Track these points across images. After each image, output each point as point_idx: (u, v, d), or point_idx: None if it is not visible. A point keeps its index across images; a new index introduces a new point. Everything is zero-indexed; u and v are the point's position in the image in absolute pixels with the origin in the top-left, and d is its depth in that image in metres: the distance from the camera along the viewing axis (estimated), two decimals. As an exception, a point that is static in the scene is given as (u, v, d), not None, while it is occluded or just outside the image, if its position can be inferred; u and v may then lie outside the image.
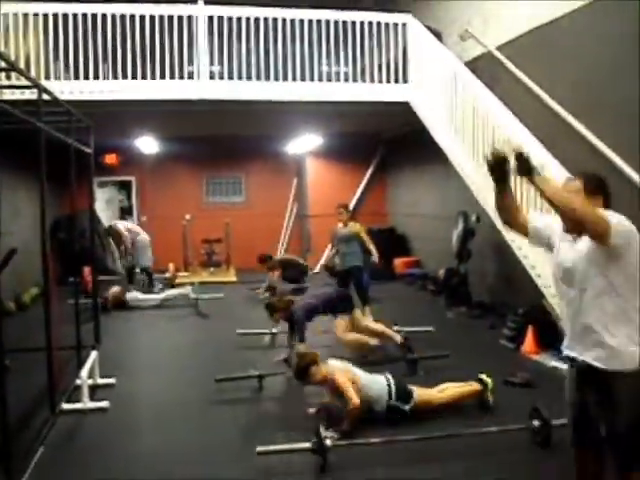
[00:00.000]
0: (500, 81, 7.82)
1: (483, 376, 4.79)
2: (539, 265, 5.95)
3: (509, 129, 6.54)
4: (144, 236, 10.89)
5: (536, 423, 4.02)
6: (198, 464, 3.98)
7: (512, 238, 6.46)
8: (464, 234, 8.51)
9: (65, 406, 4.85)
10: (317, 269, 13.22)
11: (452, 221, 8.87)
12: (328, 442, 3.76)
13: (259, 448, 3.81)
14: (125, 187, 14.11)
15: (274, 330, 6.96)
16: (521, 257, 6.30)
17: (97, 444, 4.35)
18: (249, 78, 8.40)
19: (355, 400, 4.26)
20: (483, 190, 7.01)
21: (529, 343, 6.35)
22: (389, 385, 4.57)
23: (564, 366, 5.44)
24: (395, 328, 6.88)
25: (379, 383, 4.60)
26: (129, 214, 13.74)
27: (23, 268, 8.66)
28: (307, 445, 3.79)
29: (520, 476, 3.72)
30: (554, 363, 5.81)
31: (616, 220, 2.47)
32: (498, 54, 8.05)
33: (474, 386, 4.76)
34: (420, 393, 4.62)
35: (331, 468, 3.73)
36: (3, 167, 8.42)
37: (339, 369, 4.55)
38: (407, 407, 4.49)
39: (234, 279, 12.10)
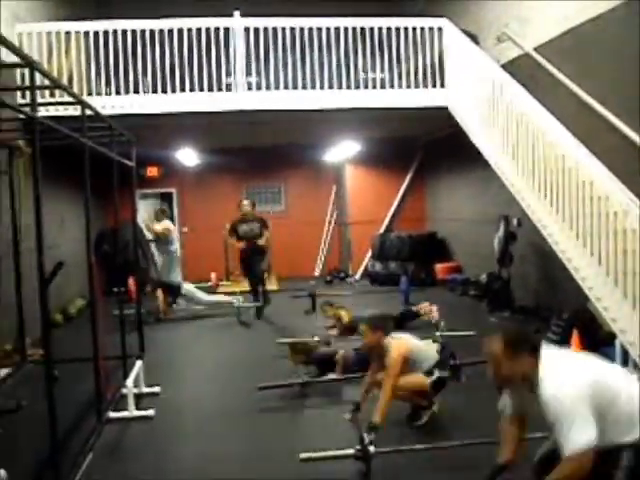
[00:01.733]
0: (538, 82, 7.72)
1: None
2: (583, 268, 5.84)
3: (548, 131, 6.45)
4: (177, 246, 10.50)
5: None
6: (241, 471, 4.02)
7: (555, 240, 6.37)
8: (505, 238, 8.42)
9: (112, 414, 4.95)
10: (358, 276, 13.23)
11: (493, 225, 8.79)
12: (371, 449, 3.75)
13: (302, 455, 3.82)
14: (166, 199, 14.35)
15: (316, 338, 6.98)
16: (565, 260, 6.21)
17: (142, 451, 4.42)
18: (286, 88, 8.48)
19: (388, 382, 4.19)
20: (523, 193, 6.93)
21: (574, 346, 6.22)
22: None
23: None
24: (437, 334, 6.86)
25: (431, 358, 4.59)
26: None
27: (69, 280, 8.89)
28: (350, 452, 3.79)
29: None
30: (601, 367, 5.67)
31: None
32: (536, 55, 7.97)
33: None
34: None
35: (375, 475, 3.72)
36: (50, 181, 8.64)
37: (395, 346, 4.39)
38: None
39: (276, 287, 12.17)
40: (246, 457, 4.25)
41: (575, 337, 6.27)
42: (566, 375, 2.57)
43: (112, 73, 7.97)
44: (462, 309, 9.46)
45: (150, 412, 5.05)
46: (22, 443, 4.40)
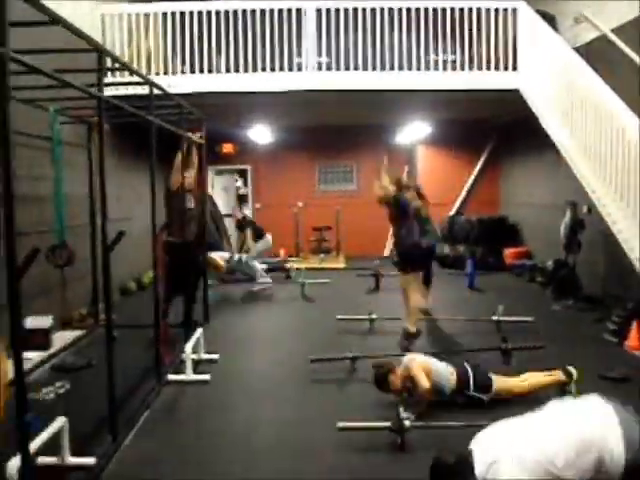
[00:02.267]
0: (616, 65, 7.51)
1: (570, 367, 4.71)
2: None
3: (621, 119, 6.30)
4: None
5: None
6: (283, 435, 4.25)
7: (619, 229, 6.27)
8: (572, 225, 8.27)
9: (171, 377, 5.28)
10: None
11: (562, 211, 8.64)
12: (407, 423, 3.89)
13: (340, 424, 4.00)
14: (241, 175, 14.76)
15: (373, 316, 7.15)
16: (627, 250, 6.11)
17: (195, 412, 4.72)
18: (356, 69, 8.57)
19: (425, 383, 4.35)
20: (589, 178, 6.82)
21: (633, 338, 6.13)
22: (467, 375, 4.62)
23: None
24: (494, 317, 6.88)
25: (448, 377, 4.64)
26: (245, 202, 14.33)
27: (143, 251, 9.34)
28: (386, 424, 3.94)
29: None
30: (657, 359, 5.60)
31: None
32: (614, 37, 7.73)
33: (558, 376, 4.70)
34: (500, 382, 4.63)
35: (408, 447, 3.87)
36: (129, 157, 9.10)
37: (415, 360, 4.64)
38: (485, 397, 4.54)
39: (343, 265, 12.36)
40: (289, 423, 4.48)
41: (635, 328, 6.18)
42: (498, 464, 2.56)
43: (188, 53, 8.28)
44: (527, 295, 9.36)
45: (206, 377, 5.36)
46: (87, 397, 4.78)
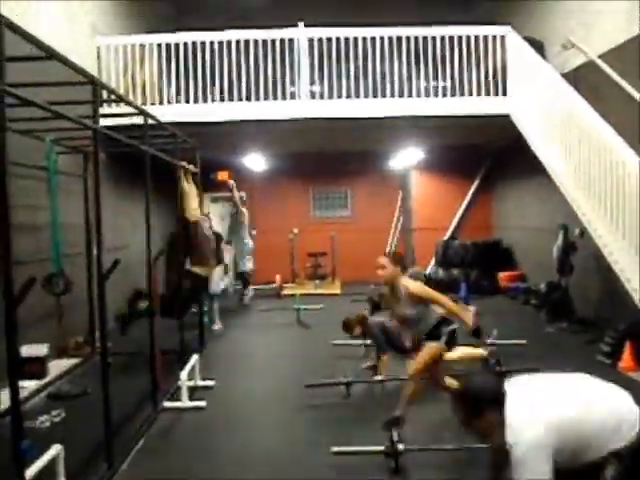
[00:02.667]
0: (603, 90, 7.65)
1: None
2: (635, 280, 5.81)
3: (608, 143, 6.41)
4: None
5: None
6: (279, 460, 4.26)
7: (610, 251, 6.34)
8: (564, 247, 8.35)
9: (166, 404, 5.29)
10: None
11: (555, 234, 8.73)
12: (400, 446, 3.91)
13: (335, 448, 4.03)
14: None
15: (368, 342, 7.17)
16: (618, 271, 6.18)
17: (191, 439, 4.73)
18: (349, 96, 8.71)
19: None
20: (582, 206, 6.91)
21: (626, 359, 6.17)
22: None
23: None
24: (488, 341, 6.91)
25: None
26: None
27: (140, 278, 9.38)
28: (380, 448, 3.96)
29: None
30: (650, 380, 5.64)
31: None
32: (600, 63, 7.88)
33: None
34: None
35: (403, 470, 3.89)
36: (124, 186, 9.18)
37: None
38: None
39: (338, 291, 12.39)
40: (284, 448, 4.50)
41: (627, 350, 6.23)
42: (528, 418, 2.53)
43: (183, 83, 8.41)
44: (521, 318, 9.41)
45: (202, 403, 5.37)
46: (83, 425, 4.79)
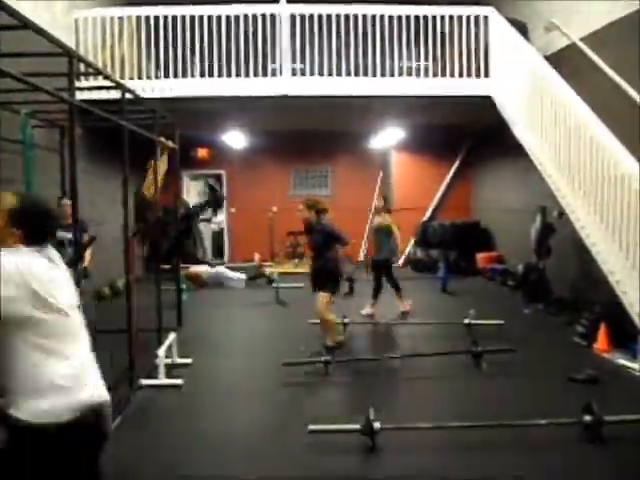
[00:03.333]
0: (584, 73, 7.66)
1: None
2: (612, 263, 5.89)
3: (588, 125, 6.43)
4: None
5: (588, 418, 4.02)
6: (255, 438, 4.26)
7: (587, 234, 6.39)
8: (543, 229, 8.41)
9: (144, 382, 5.27)
10: (400, 262, 13.33)
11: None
12: (377, 425, 3.93)
13: (311, 427, 4.04)
14: (216, 180, 14.72)
15: (346, 320, 7.21)
16: (594, 253, 6.24)
17: (167, 416, 4.72)
18: (330, 75, 8.63)
19: None
20: (559, 184, 6.95)
21: (601, 340, 6.25)
22: None
23: (634, 364, 5.42)
24: (465, 321, 6.97)
25: None
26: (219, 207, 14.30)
27: (117, 256, 9.29)
28: (356, 426, 3.98)
29: (559, 470, 3.73)
30: (623, 361, 5.72)
31: None
32: (582, 45, 7.88)
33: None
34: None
35: (378, 449, 3.91)
36: (101, 161, 9.06)
37: None
38: None
39: (317, 270, 12.38)
40: (261, 425, 4.50)
41: (602, 331, 6.31)
42: None
43: (162, 57, 8.27)
44: (498, 299, 9.50)
45: (179, 381, 5.35)
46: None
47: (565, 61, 8.22)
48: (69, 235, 5.11)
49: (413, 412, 4.61)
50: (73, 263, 3.92)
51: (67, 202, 5.46)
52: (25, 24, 3.13)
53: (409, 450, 3.97)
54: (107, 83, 5.22)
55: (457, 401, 4.98)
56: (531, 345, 6.45)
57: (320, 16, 8.49)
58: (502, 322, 7.10)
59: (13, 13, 2.99)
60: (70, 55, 3.69)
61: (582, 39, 7.93)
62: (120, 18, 8.21)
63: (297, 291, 9.72)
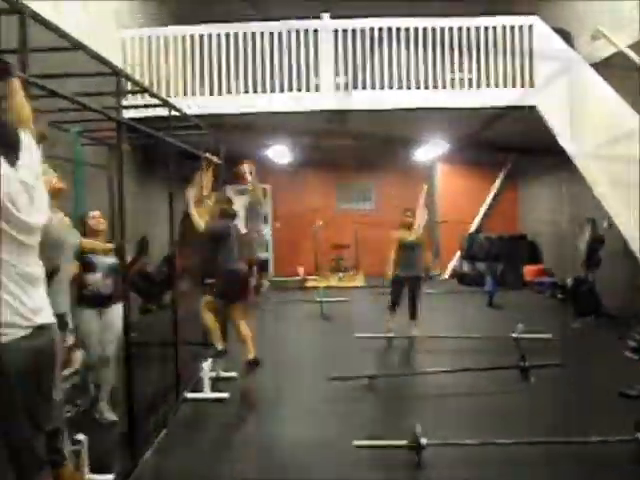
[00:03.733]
0: (632, 81, 7.49)
1: None
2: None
3: (637, 134, 6.30)
4: None
5: (641, 436, 3.90)
6: (301, 454, 4.25)
7: (638, 246, 6.23)
8: (592, 241, 8.23)
9: (189, 395, 5.31)
10: (446, 275, 13.22)
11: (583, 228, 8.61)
12: (424, 440, 3.88)
13: (356, 442, 4.01)
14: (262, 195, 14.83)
15: (390, 335, 7.17)
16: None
17: (212, 430, 4.75)
18: (373, 88, 8.63)
19: None
20: (609, 198, 6.80)
21: (654, 355, 6.07)
22: None
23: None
24: (513, 335, 6.84)
25: None
26: (264, 221, 14.40)
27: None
28: (403, 442, 3.93)
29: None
30: (679, 377, 5.53)
31: None
32: (630, 53, 7.72)
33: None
34: None
35: (425, 464, 3.85)
36: (148, 177, 9.23)
37: None
38: None
39: (362, 284, 12.36)
40: (307, 440, 4.48)
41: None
42: None
43: (207, 74, 8.40)
44: (546, 312, 9.31)
45: (225, 395, 5.38)
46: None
47: (612, 69, 8.06)
48: (109, 260, 4.68)
49: (460, 428, 4.53)
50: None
51: (95, 214, 4.91)
52: (75, 45, 3.22)
53: (456, 466, 3.91)
54: (154, 101, 5.32)
55: (505, 417, 4.88)
56: (580, 359, 6.30)
57: (362, 30, 8.52)
58: (550, 336, 6.95)
59: (63, 35, 3.09)
60: (118, 74, 3.79)
61: (630, 46, 7.76)
62: (166, 37, 8.37)
63: (342, 305, 9.72)
